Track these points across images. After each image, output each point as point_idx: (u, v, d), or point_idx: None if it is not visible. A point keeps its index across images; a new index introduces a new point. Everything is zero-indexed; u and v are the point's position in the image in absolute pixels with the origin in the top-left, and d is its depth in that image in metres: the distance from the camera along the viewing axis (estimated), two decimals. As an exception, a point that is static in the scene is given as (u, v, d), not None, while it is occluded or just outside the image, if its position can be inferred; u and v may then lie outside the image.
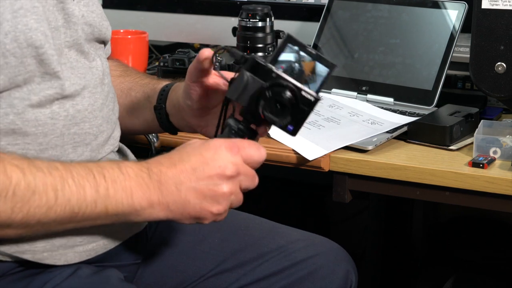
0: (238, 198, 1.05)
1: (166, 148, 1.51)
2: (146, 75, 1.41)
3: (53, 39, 1.08)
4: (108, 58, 1.42)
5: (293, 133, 1.05)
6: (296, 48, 1.06)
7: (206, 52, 1.12)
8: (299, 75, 1.05)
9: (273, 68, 1.04)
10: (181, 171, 1.02)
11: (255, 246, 1.34)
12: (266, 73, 1.04)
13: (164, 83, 1.32)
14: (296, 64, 1.06)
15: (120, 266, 1.24)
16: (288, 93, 1.02)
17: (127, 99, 1.35)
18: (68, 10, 1.13)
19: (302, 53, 1.06)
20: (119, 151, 1.29)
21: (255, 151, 1.04)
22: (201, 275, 1.31)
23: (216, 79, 1.16)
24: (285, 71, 1.04)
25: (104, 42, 1.27)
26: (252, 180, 1.05)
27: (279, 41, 1.05)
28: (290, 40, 1.06)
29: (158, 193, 1.02)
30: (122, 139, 1.30)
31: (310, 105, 1.03)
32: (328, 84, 1.65)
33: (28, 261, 1.11)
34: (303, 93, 1.03)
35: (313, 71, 1.06)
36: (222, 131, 1.08)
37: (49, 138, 1.10)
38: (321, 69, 1.06)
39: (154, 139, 1.51)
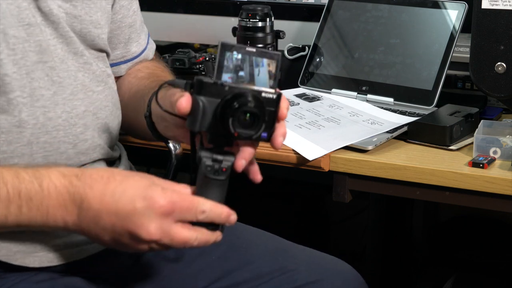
0: (166, 243, 0.97)
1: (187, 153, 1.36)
2: (164, 79, 1.25)
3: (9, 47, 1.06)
4: (152, 60, 1.38)
5: (269, 138, 1.00)
6: (234, 53, 0.99)
7: (184, 104, 0.99)
8: (250, 78, 1.00)
9: (223, 82, 0.98)
10: (105, 209, 0.96)
11: (255, 266, 1.26)
12: (218, 90, 0.98)
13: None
14: (242, 69, 1.00)
15: (93, 278, 1.19)
16: (252, 100, 0.96)
17: (134, 102, 1.29)
18: (47, 10, 1.12)
19: (242, 56, 0.99)
20: (115, 151, 1.26)
21: (192, 214, 0.96)
22: None
23: None
24: (235, 81, 0.99)
25: (103, 50, 1.23)
26: (174, 243, 0.97)
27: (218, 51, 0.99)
28: (225, 47, 0.99)
29: (75, 217, 0.98)
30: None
31: (275, 103, 0.98)
32: (328, 84, 1.66)
33: None
34: (263, 94, 0.98)
35: (261, 68, 1.00)
36: (197, 166, 1.00)
37: (14, 146, 1.07)
38: (268, 63, 1.00)
39: (177, 146, 1.42)
